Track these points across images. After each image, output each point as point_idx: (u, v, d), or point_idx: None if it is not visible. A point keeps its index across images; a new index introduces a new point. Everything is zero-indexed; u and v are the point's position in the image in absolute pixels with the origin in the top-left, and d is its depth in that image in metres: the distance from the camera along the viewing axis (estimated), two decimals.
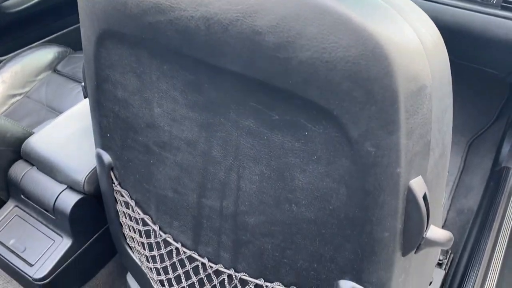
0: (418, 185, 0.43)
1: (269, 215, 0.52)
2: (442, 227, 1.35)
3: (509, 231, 1.18)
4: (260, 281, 0.58)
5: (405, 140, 0.39)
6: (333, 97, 0.39)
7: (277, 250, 0.54)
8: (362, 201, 0.44)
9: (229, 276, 0.61)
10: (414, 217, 0.44)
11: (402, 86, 0.37)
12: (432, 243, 0.46)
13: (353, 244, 0.48)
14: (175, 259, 0.67)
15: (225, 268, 0.61)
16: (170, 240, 0.66)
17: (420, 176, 0.44)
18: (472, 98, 1.69)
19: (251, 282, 0.59)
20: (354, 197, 0.44)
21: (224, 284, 0.62)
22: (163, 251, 0.68)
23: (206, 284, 0.64)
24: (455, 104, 1.83)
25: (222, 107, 0.49)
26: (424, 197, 0.44)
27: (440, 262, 1.17)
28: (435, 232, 0.46)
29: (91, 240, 0.87)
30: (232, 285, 0.61)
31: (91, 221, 0.87)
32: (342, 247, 0.49)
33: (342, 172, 0.44)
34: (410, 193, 0.43)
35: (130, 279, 0.90)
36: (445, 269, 1.13)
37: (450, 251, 1.18)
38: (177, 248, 0.66)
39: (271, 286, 0.57)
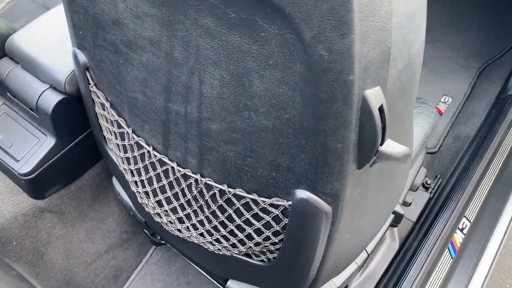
0: (374, 95, 0.41)
1: (230, 122, 0.51)
2: (436, 153, 1.34)
3: (502, 159, 1.16)
4: (224, 187, 0.59)
5: (358, 45, 0.36)
6: None
7: (239, 157, 0.54)
8: (315, 110, 0.42)
9: (196, 180, 0.62)
10: (368, 129, 0.42)
11: None
12: (387, 157, 0.45)
13: (308, 155, 0.47)
14: (147, 162, 0.68)
15: (192, 173, 0.62)
16: (142, 143, 0.66)
17: (378, 87, 0.41)
18: (490, 23, 1.59)
19: (216, 187, 0.60)
20: (308, 106, 0.43)
21: (191, 188, 0.63)
22: (136, 153, 0.69)
23: (175, 187, 0.66)
24: (472, 29, 1.74)
25: (180, 2, 0.46)
26: (381, 109, 0.42)
27: (427, 185, 1.17)
28: (391, 146, 0.45)
29: (75, 141, 0.89)
30: (198, 189, 0.62)
31: (75, 122, 0.88)
32: (298, 157, 0.48)
33: (297, 78, 0.42)
34: (364, 103, 0.41)
35: (115, 180, 0.92)
36: (430, 192, 1.14)
37: (439, 176, 1.18)
38: (148, 152, 0.66)
39: (233, 192, 0.58)
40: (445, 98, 1.46)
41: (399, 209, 0.90)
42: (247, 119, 0.49)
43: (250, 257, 0.71)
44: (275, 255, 0.66)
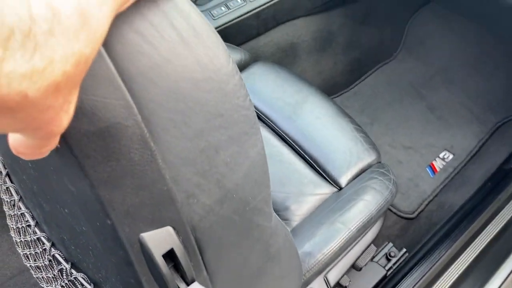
0: (154, 239, 0.33)
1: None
2: (414, 219, 1.20)
3: (489, 239, 1.02)
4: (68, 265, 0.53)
5: (103, 191, 0.29)
6: None
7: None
8: (101, 245, 0.35)
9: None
10: (155, 272, 0.34)
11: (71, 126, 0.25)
12: None
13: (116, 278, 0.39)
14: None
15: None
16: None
17: (166, 228, 0.33)
18: None
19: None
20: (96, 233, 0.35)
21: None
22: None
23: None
24: (497, 75, 1.55)
25: None
26: (171, 253, 0.34)
27: (390, 258, 1.05)
28: None
29: None
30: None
31: None
32: (108, 276, 0.41)
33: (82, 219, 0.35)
34: (143, 248, 0.33)
35: None
36: (389, 268, 1.01)
37: (405, 250, 1.06)
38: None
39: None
40: (445, 154, 1.31)
41: None
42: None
43: None
44: None
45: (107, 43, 0.26)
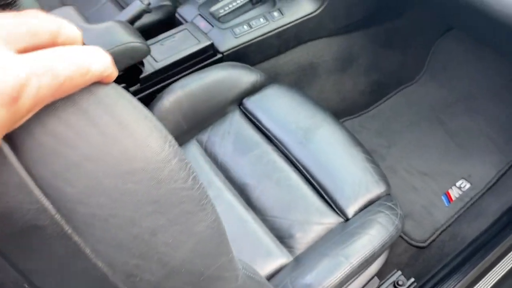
0: None
1: None
2: (425, 248, 1.18)
3: (496, 279, 1.00)
4: None
5: (36, 281, 0.30)
6: None
7: None
8: None
9: None
10: None
11: None
12: None
13: None
14: None
15: None
16: None
17: None
18: None
19: None
20: None
21: None
22: None
23: None
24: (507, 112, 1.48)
25: None
26: None
27: (398, 286, 1.04)
28: None
29: None
30: None
31: None
32: None
33: None
34: None
35: None
36: None
37: (414, 279, 1.04)
38: None
39: None
40: (462, 183, 1.28)
41: None
42: None
43: None
44: None
45: (18, 148, 0.25)
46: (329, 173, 0.91)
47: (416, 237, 1.18)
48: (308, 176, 0.92)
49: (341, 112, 1.45)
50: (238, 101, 1.06)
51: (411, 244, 1.17)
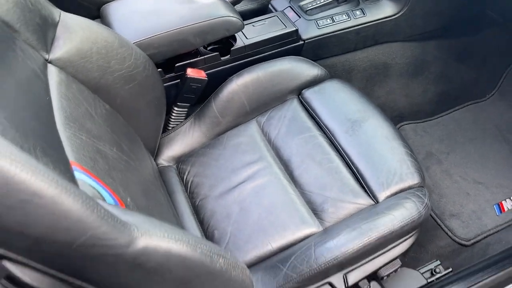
0: None
1: None
2: (468, 246, 1.18)
3: None
4: None
5: None
6: None
7: None
8: None
9: None
10: None
11: None
12: None
13: None
14: None
15: None
16: None
17: None
18: None
19: None
20: None
21: None
22: None
23: None
24: None
25: None
26: None
27: (435, 274, 1.08)
28: None
29: None
30: None
31: None
32: None
33: None
34: None
35: None
36: (432, 282, 1.03)
37: (451, 269, 1.07)
38: None
39: None
40: None
41: None
42: None
43: None
44: None
45: None
46: (368, 161, 1.00)
47: (461, 235, 1.20)
48: (348, 161, 1.02)
49: (406, 115, 1.51)
50: (298, 91, 1.18)
51: (454, 240, 1.20)
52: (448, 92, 1.55)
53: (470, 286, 0.92)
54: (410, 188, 0.96)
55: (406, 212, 0.88)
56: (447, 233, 1.21)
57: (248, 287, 0.68)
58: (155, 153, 1.13)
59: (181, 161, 1.14)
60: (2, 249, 0.44)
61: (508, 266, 0.99)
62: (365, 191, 0.97)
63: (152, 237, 0.52)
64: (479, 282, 0.94)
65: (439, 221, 1.23)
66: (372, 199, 0.96)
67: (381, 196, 0.95)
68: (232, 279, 0.64)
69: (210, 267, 0.59)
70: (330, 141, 1.07)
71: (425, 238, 1.20)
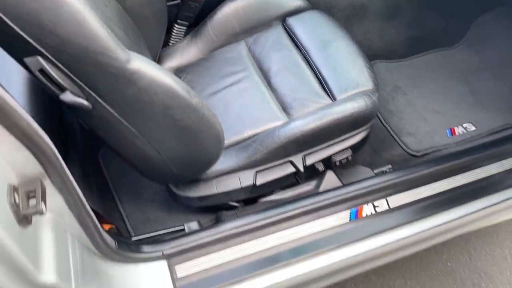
0: None
1: None
2: (417, 157, 1.39)
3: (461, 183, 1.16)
4: None
5: None
6: None
7: None
8: None
9: None
10: None
11: None
12: None
13: None
14: None
15: None
16: None
17: None
18: None
19: None
20: None
21: None
22: None
23: None
24: None
25: None
26: None
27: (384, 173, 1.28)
28: None
29: None
30: None
31: None
32: None
33: None
34: None
35: None
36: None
37: (390, 166, 1.28)
38: None
39: None
40: (469, 125, 1.46)
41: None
42: None
43: None
44: None
45: None
46: (332, 71, 1.20)
47: (413, 148, 1.40)
48: (316, 71, 1.22)
49: (380, 55, 1.69)
50: (282, 19, 1.38)
51: (407, 152, 1.40)
52: (419, 38, 1.73)
53: (406, 174, 1.12)
54: (364, 92, 1.16)
55: (355, 104, 1.09)
56: (401, 146, 1.41)
57: (217, 129, 0.89)
58: (156, 62, 1.33)
59: (178, 70, 1.34)
60: (38, 45, 0.66)
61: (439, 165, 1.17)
62: (327, 93, 1.18)
63: (145, 64, 0.75)
64: (413, 174, 1.13)
65: (395, 137, 1.43)
66: (332, 100, 1.17)
67: (340, 97, 1.16)
68: (205, 118, 0.86)
69: (188, 100, 0.81)
70: (305, 57, 1.27)
71: (381, 147, 1.41)
